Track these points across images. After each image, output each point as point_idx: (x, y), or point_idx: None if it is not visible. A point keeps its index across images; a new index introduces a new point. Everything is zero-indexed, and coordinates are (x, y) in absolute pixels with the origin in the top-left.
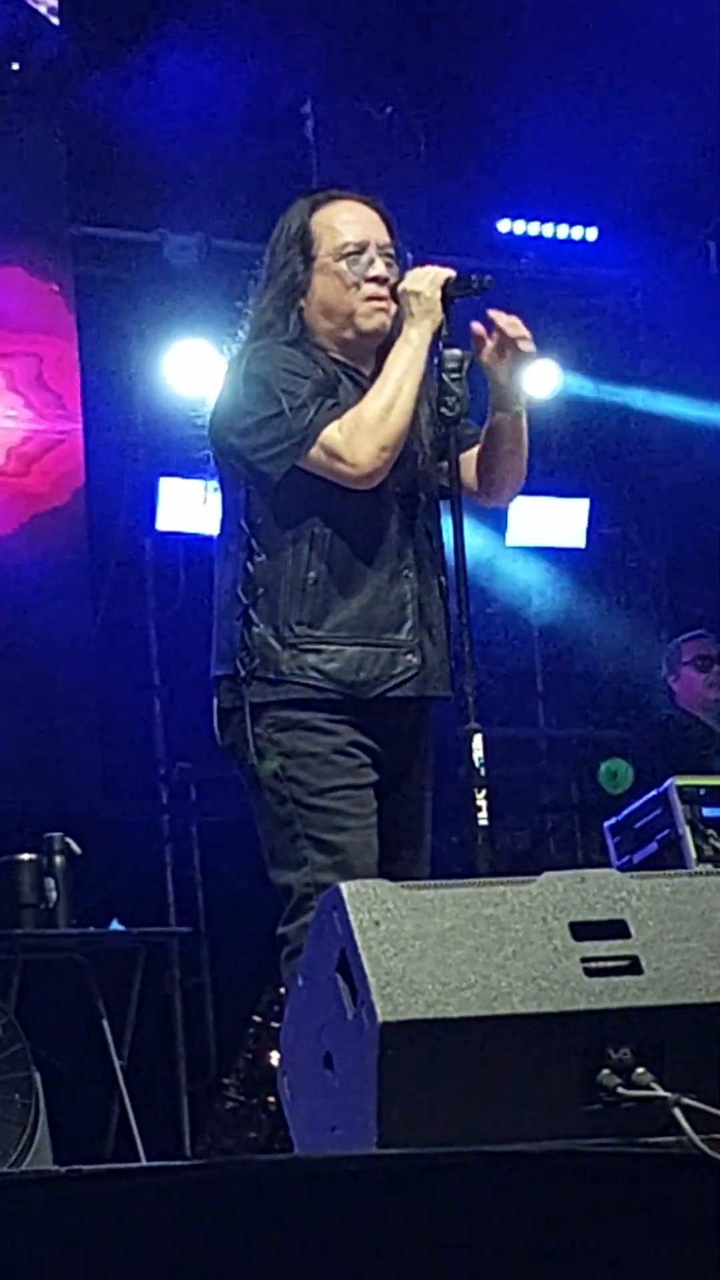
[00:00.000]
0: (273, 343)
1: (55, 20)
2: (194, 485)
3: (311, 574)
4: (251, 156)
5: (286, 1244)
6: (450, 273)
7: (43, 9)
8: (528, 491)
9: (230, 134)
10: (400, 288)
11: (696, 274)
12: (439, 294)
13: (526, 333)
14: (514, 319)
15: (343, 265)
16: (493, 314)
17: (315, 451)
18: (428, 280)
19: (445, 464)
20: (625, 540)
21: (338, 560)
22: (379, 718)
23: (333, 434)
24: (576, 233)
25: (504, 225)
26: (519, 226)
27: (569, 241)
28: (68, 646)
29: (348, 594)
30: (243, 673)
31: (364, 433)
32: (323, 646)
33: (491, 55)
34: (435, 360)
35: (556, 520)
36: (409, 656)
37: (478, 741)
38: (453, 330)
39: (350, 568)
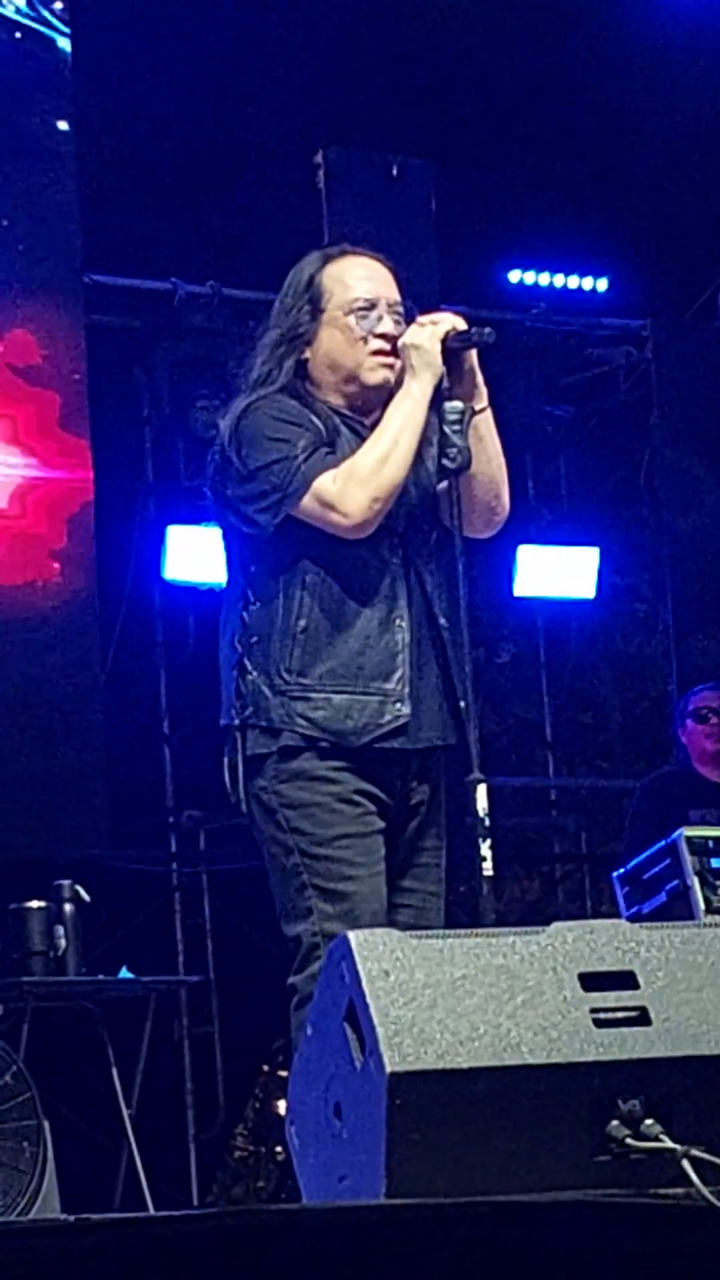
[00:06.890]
0: (270, 393)
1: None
2: (202, 533)
3: (302, 622)
4: (263, 206)
5: None
6: (452, 325)
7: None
8: (537, 540)
9: (242, 183)
10: (401, 342)
11: (707, 324)
12: (439, 347)
13: (449, 316)
14: (433, 317)
15: (351, 320)
16: (420, 319)
17: (308, 501)
18: (428, 334)
19: (445, 513)
20: (635, 590)
21: (329, 608)
22: (378, 765)
23: (326, 484)
24: (587, 283)
25: (514, 275)
26: (529, 277)
27: (579, 292)
28: (77, 694)
29: (338, 642)
30: (237, 721)
31: (357, 483)
32: (311, 695)
33: (501, 104)
34: (437, 412)
35: (566, 570)
36: (398, 706)
37: (481, 791)
38: (454, 382)
39: (341, 616)
